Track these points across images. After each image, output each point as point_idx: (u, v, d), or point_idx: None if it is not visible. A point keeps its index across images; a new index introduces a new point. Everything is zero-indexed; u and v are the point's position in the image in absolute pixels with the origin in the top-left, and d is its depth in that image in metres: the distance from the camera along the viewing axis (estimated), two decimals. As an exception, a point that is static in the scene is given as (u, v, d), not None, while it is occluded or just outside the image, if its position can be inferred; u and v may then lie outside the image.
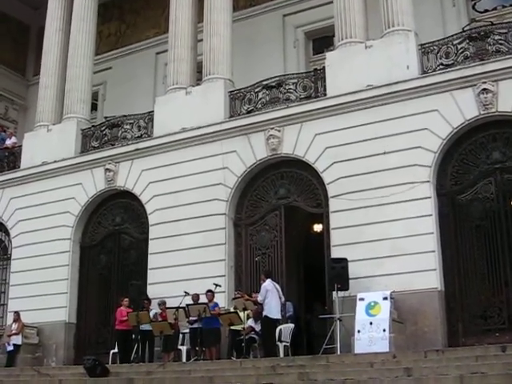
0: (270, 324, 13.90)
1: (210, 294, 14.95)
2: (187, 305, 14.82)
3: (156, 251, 16.97)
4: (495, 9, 18.22)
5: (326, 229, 15.25)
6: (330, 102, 15.44)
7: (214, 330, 14.42)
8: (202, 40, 17.99)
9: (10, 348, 17.43)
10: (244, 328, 14.28)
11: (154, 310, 15.80)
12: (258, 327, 14.51)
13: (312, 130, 15.58)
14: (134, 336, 15.54)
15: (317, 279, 15.50)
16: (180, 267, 16.25)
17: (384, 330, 12.81)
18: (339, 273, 13.88)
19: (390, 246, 13.94)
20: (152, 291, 16.49)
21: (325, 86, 15.82)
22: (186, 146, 17.14)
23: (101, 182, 18.48)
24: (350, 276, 13.89)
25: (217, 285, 15.05)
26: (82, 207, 18.64)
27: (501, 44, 14.27)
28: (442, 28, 17.37)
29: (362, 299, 13.40)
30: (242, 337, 14.15)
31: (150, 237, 17.27)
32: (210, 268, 15.83)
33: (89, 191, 18.61)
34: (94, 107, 22.60)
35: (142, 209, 17.81)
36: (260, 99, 16.70)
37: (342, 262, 13.95)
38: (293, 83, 16.41)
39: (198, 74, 18.48)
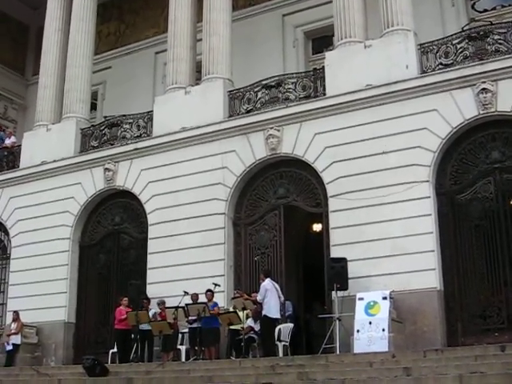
0: (269, 323, 13.90)
1: (210, 293, 14.94)
2: (186, 304, 14.82)
3: (155, 251, 16.96)
4: (494, 8, 18.22)
5: (326, 228, 15.26)
6: (329, 101, 15.45)
7: (213, 330, 14.41)
8: (201, 40, 17.99)
9: (10, 347, 17.42)
10: (243, 328, 14.27)
11: (154, 309, 15.78)
12: (257, 327, 14.51)
13: (311, 129, 15.59)
14: (133, 335, 15.54)
15: (316, 279, 15.51)
16: (179, 267, 16.26)
17: (383, 330, 12.81)
18: (338, 272, 13.89)
19: (390, 246, 13.95)
20: (151, 291, 16.48)
21: (324, 85, 15.83)
22: (185, 146, 17.14)
23: (100, 182, 18.48)
24: (350, 275, 13.90)
25: (216, 284, 15.05)
26: (82, 207, 18.64)
27: (500, 44, 14.28)
28: (442, 28, 17.36)
29: (361, 299, 13.40)
30: (242, 336, 14.15)
31: (149, 236, 17.27)
32: (209, 267, 15.83)
33: (88, 191, 18.61)
34: (93, 107, 22.58)
35: (141, 208, 17.81)
36: (259, 99, 16.70)
37: (342, 262, 13.96)
38: (292, 83, 16.42)
39: (198, 74, 18.45)
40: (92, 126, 19.75)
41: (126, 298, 16.11)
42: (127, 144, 18.25)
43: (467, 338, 13.34)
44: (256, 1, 21.27)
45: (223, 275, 15.81)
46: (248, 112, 16.74)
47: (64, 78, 20.11)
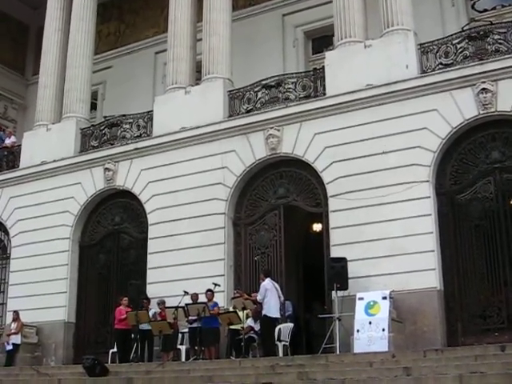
0: (269, 323, 13.90)
1: (210, 293, 14.94)
2: (186, 304, 14.82)
3: (155, 251, 16.96)
4: (494, 8, 18.22)
5: (326, 228, 15.26)
6: (329, 101, 15.44)
7: (213, 330, 14.42)
8: (201, 39, 17.99)
9: (10, 347, 17.42)
10: (243, 327, 14.27)
11: (154, 309, 15.78)
12: (257, 326, 14.51)
13: (311, 129, 15.59)
14: (133, 335, 15.54)
15: (316, 278, 15.51)
16: (179, 267, 16.25)
17: (383, 330, 12.81)
18: (338, 272, 13.89)
19: (390, 246, 13.95)
20: (151, 291, 16.49)
21: (324, 85, 15.83)
22: (185, 146, 17.14)
23: (100, 182, 18.48)
24: (350, 275, 13.90)
25: (216, 284, 15.04)
26: (82, 206, 18.64)
27: (500, 43, 14.28)
28: (442, 28, 17.35)
29: (361, 299, 13.40)
30: (241, 336, 14.15)
31: (149, 236, 17.27)
32: (209, 267, 15.83)
33: (88, 190, 18.61)
34: (93, 106, 22.57)
35: (141, 208, 17.81)
36: (259, 99, 16.70)
37: (342, 262, 13.96)
38: (292, 83, 16.41)
39: (198, 74, 18.45)
40: (92, 125, 19.75)
41: (125, 298, 16.11)
42: (127, 144, 18.25)
43: (467, 337, 13.34)
44: (256, 1, 21.27)
45: (223, 275, 15.81)
46: (248, 112, 16.74)
47: (64, 77, 20.11)
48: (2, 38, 25.27)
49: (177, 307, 14.75)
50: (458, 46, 14.65)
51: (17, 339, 17.50)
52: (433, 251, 13.71)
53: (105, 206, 18.79)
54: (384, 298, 13.21)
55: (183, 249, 16.36)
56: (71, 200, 18.70)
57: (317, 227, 17.24)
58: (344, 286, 13.87)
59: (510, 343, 11.39)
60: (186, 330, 15.20)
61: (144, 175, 17.69)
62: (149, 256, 17.08)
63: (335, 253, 14.47)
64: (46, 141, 19.60)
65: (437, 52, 14.82)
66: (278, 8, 20.73)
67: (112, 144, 18.64)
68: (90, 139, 19.22)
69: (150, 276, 16.84)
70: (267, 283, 14.05)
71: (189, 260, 16.13)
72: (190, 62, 18.26)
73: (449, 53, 14.70)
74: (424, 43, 15.02)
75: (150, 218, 17.37)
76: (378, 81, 14.90)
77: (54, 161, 19.21)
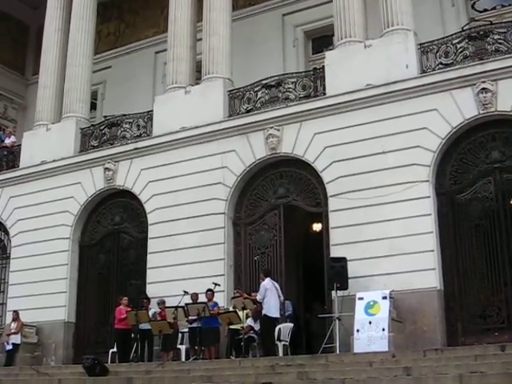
0: (269, 323, 13.90)
1: (210, 293, 14.94)
2: (186, 304, 14.82)
3: (155, 250, 16.96)
4: (494, 8, 18.22)
5: (326, 228, 15.26)
6: (329, 101, 15.44)
7: (213, 330, 14.41)
8: (201, 39, 17.99)
9: (9, 347, 17.42)
10: (243, 327, 14.28)
11: (153, 309, 15.78)
12: (257, 326, 14.51)
13: (311, 129, 15.58)
14: (133, 335, 15.54)
15: (316, 278, 15.50)
16: (179, 266, 16.25)
17: (383, 330, 12.81)
18: (338, 272, 13.88)
19: (389, 246, 13.95)
20: (151, 290, 16.48)
21: (324, 85, 15.83)
22: (185, 146, 17.14)
23: (100, 181, 18.48)
24: (350, 275, 13.90)
25: (216, 284, 15.04)
26: (81, 206, 18.64)
27: (500, 43, 14.27)
28: (442, 27, 17.35)
29: (361, 298, 13.40)
30: (241, 336, 14.15)
31: (149, 236, 17.27)
32: (209, 267, 15.83)
33: (88, 190, 18.60)
34: (93, 106, 22.58)
35: (141, 208, 17.81)
36: (259, 98, 16.70)
37: (342, 261, 13.96)
38: (292, 82, 16.41)
39: (198, 74, 18.45)
40: (92, 125, 19.75)
41: (125, 298, 16.10)
42: (127, 144, 18.25)
43: (467, 337, 13.33)
44: (256, 0, 21.27)
45: (223, 275, 15.81)
46: (248, 112, 16.74)
47: (64, 77, 20.10)
48: (1, 38, 25.27)
49: (177, 307, 14.76)
50: (458, 46, 14.65)
51: (17, 339, 17.49)
52: (433, 251, 13.71)
53: (105, 206, 18.79)
54: (384, 297, 13.21)
55: (183, 248, 16.36)
56: (71, 200, 18.69)
57: (317, 227, 17.23)
58: (344, 286, 13.87)
59: (509, 343, 11.38)
60: (186, 329, 15.19)
61: (144, 175, 17.69)
62: (149, 256, 17.08)
63: (335, 252, 14.47)
64: (46, 141, 19.59)
65: (437, 52, 14.81)
66: (277, 8, 20.73)
67: (112, 144, 18.64)
68: (89, 139, 19.22)
69: (150, 276, 16.83)
70: (267, 283, 14.05)
71: (188, 260, 16.12)
72: (189, 61, 18.26)
73: (449, 53, 14.70)
74: (424, 43, 15.02)
75: (150, 218, 17.36)
76: (377, 81, 14.90)
77: (54, 161, 19.21)
